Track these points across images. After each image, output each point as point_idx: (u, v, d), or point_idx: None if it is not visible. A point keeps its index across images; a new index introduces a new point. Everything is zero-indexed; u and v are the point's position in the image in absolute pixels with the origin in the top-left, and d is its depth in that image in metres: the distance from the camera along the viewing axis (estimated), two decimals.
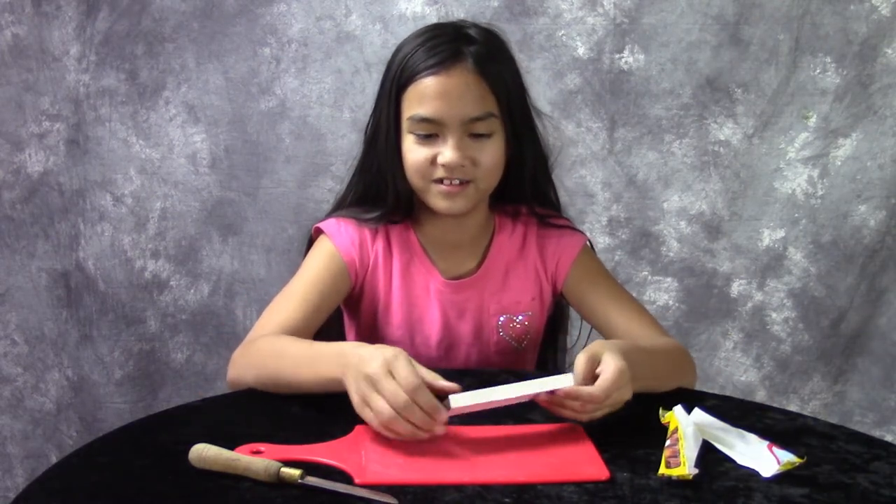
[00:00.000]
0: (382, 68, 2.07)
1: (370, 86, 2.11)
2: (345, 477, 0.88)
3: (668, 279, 2.12)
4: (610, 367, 1.00)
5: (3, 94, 2.16)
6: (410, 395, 0.92)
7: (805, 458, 0.93)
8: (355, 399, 0.97)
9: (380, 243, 1.28)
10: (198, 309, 2.25)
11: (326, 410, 1.05)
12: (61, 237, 2.22)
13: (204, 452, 0.88)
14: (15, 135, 2.18)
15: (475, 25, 1.23)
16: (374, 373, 0.95)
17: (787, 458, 0.93)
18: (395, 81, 1.21)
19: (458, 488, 0.87)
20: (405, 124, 1.21)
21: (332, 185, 2.15)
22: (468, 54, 1.18)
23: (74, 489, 0.84)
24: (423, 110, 1.18)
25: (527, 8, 2.04)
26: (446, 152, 1.18)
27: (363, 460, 0.91)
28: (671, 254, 2.11)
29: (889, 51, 1.97)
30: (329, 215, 1.32)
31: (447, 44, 1.19)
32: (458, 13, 2.05)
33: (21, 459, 2.29)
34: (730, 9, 1.99)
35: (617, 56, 2.04)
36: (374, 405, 0.94)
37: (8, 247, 2.22)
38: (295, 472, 0.86)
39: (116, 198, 2.21)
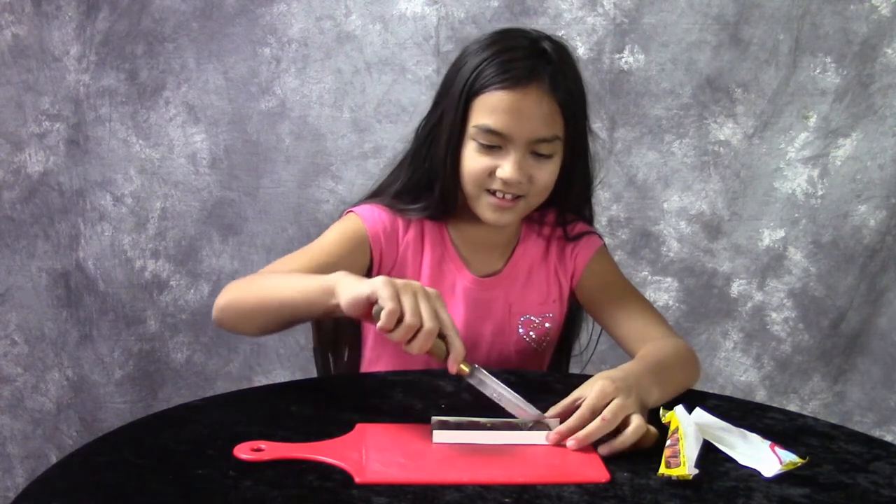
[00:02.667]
0: (382, 68, 2.11)
1: (370, 86, 2.11)
2: (345, 476, 0.89)
3: (668, 279, 2.12)
4: (591, 389, 0.99)
5: (3, 94, 2.16)
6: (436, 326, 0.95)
7: (808, 459, 0.93)
8: (386, 290, 0.94)
9: (411, 235, 1.28)
10: (198, 309, 2.24)
11: (326, 410, 1.05)
12: (61, 237, 2.22)
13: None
14: (15, 135, 2.18)
15: (548, 38, 1.22)
16: (430, 291, 0.96)
17: (790, 458, 0.93)
18: (467, 87, 1.19)
19: (458, 488, 0.87)
20: (470, 130, 1.20)
21: (333, 185, 2.15)
22: (545, 74, 1.17)
23: (74, 489, 0.84)
24: (492, 122, 1.17)
25: (527, 8, 2.04)
26: (506, 167, 1.18)
27: (364, 459, 0.91)
28: (671, 254, 2.11)
29: (889, 51, 1.97)
30: (363, 201, 1.31)
31: (525, 59, 1.18)
32: (458, 13, 2.06)
33: (21, 459, 2.29)
34: (730, 9, 2.00)
35: (617, 56, 2.04)
36: (411, 306, 0.94)
37: (8, 247, 2.22)
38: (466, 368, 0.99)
39: (116, 198, 2.21)
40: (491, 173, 1.19)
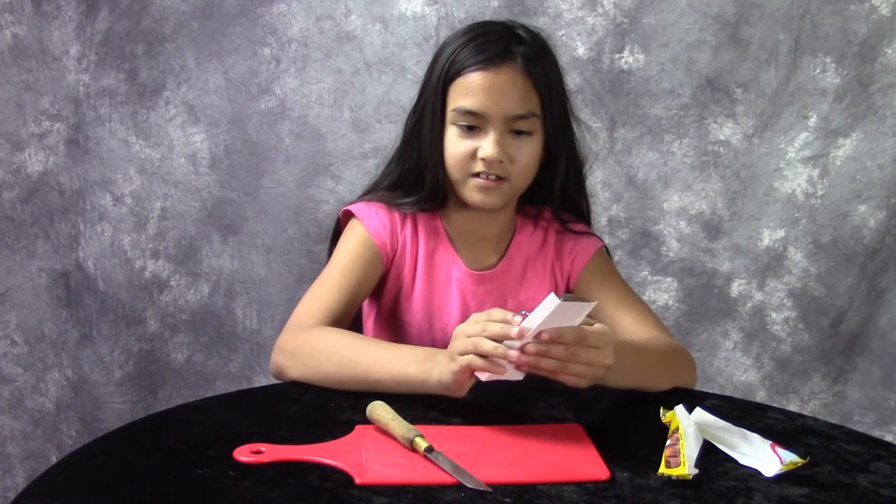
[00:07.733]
0: (383, 68, 2.11)
1: (370, 86, 2.11)
2: (346, 477, 0.88)
3: (668, 279, 2.12)
4: (594, 326, 1.01)
5: (3, 94, 2.16)
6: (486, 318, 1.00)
7: (808, 459, 0.93)
8: (454, 375, 1.01)
9: (408, 228, 1.30)
10: (198, 309, 2.25)
11: (326, 410, 1.05)
12: (61, 237, 2.22)
13: (374, 411, 1.00)
14: (15, 135, 2.18)
15: (523, 26, 1.26)
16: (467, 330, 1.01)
17: (791, 457, 0.93)
18: (444, 73, 1.23)
19: (458, 488, 0.87)
20: (449, 115, 1.23)
21: (333, 185, 2.15)
22: (518, 53, 1.21)
23: (74, 489, 0.84)
24: (469, 103, 1.20)
25: (527, 8, 2.04)
26: (486, 146, 1.20)
27: (363, 460, 0.91)
28: (671, 254, 2.11)
29: (889, 51, 1.97)
30: (359, 199, 1.33)
31: (497, 42, 1.21)
32: (458, 13, 2.06)
33: (21, 459, 2.29)
34: (730, 9, 1.99)
35: (617, 56, 2.04)
36: (478, 346, 0.99)
37: (8, 247, 2.22)
38: (424, 444, 0.93)
39: (116, 198, 2.21)
40: (473, 155, 1.22)
